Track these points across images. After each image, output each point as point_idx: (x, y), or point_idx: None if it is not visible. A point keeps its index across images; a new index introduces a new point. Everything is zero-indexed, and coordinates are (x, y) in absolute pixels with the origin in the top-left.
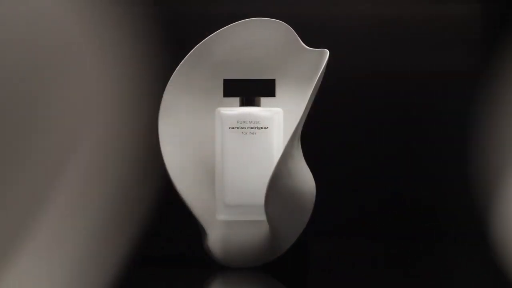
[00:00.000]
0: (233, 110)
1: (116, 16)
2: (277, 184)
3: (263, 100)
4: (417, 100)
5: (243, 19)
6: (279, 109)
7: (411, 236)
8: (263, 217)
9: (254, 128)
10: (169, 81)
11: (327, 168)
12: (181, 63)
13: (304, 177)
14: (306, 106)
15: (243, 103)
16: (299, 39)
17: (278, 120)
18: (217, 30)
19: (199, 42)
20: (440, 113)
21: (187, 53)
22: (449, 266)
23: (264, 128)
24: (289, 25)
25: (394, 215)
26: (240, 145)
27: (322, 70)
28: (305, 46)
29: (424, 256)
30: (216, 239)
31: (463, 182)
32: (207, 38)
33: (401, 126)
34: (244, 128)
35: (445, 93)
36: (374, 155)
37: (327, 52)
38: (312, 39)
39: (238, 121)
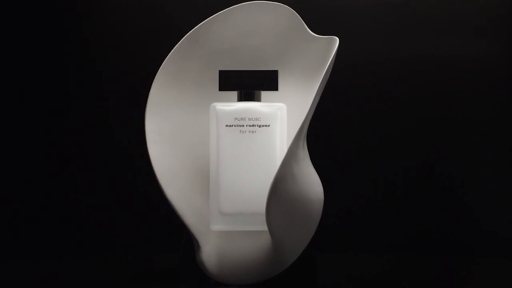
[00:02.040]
0: (230, 106)
1: None
2: (280, 189)
3: (264, 94)
4: (426, 100)
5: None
6: (282, 105)
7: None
8: (264, 227)
9: (253, 126)
10: (157, 73)
11: (337, 171)
12: (170, 52)
13: (310, 182)
14: (313, 101)
15: (241, 98)
16: (305, 25)
17: (281, 116)
18: (212, 15)
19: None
20: (449, 114)
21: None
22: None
23: (265, 126)
24: (293, 9)
25: (399, 216)
26: (238, 145)
27: (331, 60)
28: (312, 33)
29: (428, 267)
30: (210, 252)
31: (469, 185)
32: (200, 24)
33: (413, 125)
34: (243, 126)
35: (456, 92)
36: (385, 156)
37: (336, 40)
38: (320, 25)
39: (235, 118)
